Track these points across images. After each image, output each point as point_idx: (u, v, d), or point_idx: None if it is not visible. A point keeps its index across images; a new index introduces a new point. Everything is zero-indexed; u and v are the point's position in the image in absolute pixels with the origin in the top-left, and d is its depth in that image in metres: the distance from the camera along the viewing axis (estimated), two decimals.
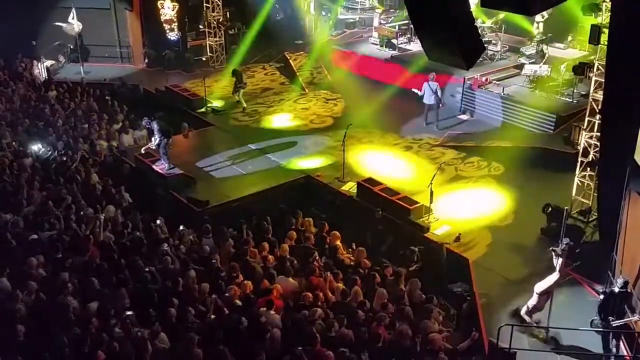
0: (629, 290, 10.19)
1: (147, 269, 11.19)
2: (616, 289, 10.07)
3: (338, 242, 12.91)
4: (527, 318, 10.96)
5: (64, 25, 23.23)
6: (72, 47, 23.91)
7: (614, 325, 10.03)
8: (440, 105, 18.90)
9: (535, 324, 10.97)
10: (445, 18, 6.72)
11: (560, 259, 10.56)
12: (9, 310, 9.74)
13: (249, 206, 14.94)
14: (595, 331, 10.29)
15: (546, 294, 10.68)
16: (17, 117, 18.48)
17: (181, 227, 13.20)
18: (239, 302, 10.51)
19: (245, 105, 20.62)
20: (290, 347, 9.35)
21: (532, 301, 10.82)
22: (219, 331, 9.64)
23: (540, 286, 10.67)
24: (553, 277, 10.58)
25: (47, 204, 13.38)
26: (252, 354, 9.22)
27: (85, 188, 14.59)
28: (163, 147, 15.69)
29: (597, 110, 13.37)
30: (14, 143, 16.76)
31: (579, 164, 14.09)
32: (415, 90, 19.04)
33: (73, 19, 23.06)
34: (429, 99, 18.74)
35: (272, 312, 10.27)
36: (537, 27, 21.92)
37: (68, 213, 13.06)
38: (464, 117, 19.78)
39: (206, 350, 9.24)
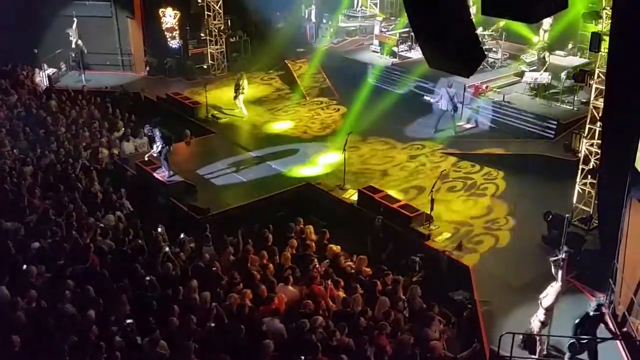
0: (603, 312, 10.14)
1: (147, 277, 11.18)
2: (590, 312, 10.05)
3: (335, 255, 12.86)
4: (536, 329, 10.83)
5: (71, 31, 23.30)
6: (73, 55, 23.95)
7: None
8: (455, 111, 19.07)
9: (536, 333, 10.90)
10: (445, 26, 6.73)
11: (561, 271, 10.45)
12: (8, 318, 9.72)
13: (250, 214, 14.93)
14: (596, 339, 10.25)
15: (552, 309, 10.56)
16: (18, 125, 18.51)
17: (182, 235, 13.18)
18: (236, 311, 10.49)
19: (246, 112, 20.65)
20: (292, 356, 9.31)
21: (541, 316, 10.65)
22: (218, 339, 9.62)
23: (547, 301, 10.45)
24: (556, 289, 10.44)
25: (48, 212, 13.37)
26: None
27: (86, 196, 14.59)
28: (164, 154, 15.70)
29: (598, 118, 13.37)
30: (14, 151, 16.78)
31: (579, 172, 14.08)
32: (429, 98, 19.06)
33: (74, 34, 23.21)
34: (446, 105, 18.79)
35: (276, 320, 10.24)
36: (543, 35, 21.94)
37: (69, 221, 13.06)
38: (464, 124, 19.77)
39: (206, 359, 9.21)
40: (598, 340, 10.15)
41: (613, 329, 10.42)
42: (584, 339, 10.06)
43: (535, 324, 10.63)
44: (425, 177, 16.48)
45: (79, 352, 9.07)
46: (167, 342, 9.46)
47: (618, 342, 10.55)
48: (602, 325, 10.22)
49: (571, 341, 10.21)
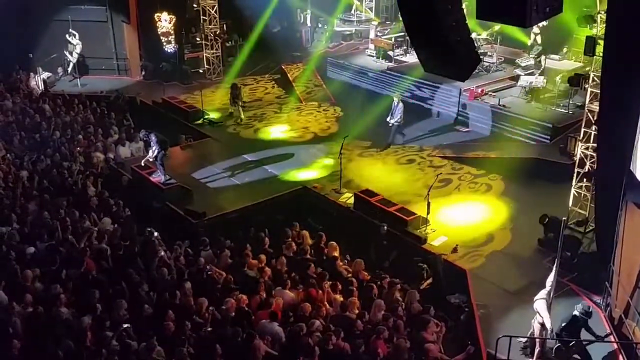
0: (590, 312, 10.18)
1: (143, 281, 11.15)
2: (577, 314, 10.11)
3: (335, 253, 12.87)
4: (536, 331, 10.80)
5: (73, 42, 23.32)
6: (70, 60, 23.90)
7: None
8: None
9: (533, 336, 10.89)
10: (441, 30, 6.76)
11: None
12: (4, 323, 9.69)
13: (246, 218, 14.91)
14: (592, 342, 10.26)
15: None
16: (13, 129, 18.47)
17: (178, 242, 13.15)
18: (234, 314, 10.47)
19: (242, 116, 20.66)
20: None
21: (539, 318, 10.49)
22: (215, 344, 9.59)
23: (538, 305, 10.48)
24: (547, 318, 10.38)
25: (43, 216, 13.34)
26: None
27: (82, 200, 14.56)
28: (160, 158, 15.67)
29: (593, 121, 13.41)
30: (8, 155, 16.74)
31: (575, 175, 14.11)
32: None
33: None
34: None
35: (274, 323, 10.22)
36: (535, 39, 21.99)
37: (65, 225, 13.02)
38: (460, 128, 19.80)
39: None
40: (585, 342, 10.19)
41: (596, 332, 10.43)
42: (571, 341, 10.07)
43: (535, 326, 10.64)
44: (422, 181, 16.47)
45: (74, 357, 9.05)
46: (162, 347, 9.44)
47: (615, 345, 10.58)
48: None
49: (557, 345, 10.24)
